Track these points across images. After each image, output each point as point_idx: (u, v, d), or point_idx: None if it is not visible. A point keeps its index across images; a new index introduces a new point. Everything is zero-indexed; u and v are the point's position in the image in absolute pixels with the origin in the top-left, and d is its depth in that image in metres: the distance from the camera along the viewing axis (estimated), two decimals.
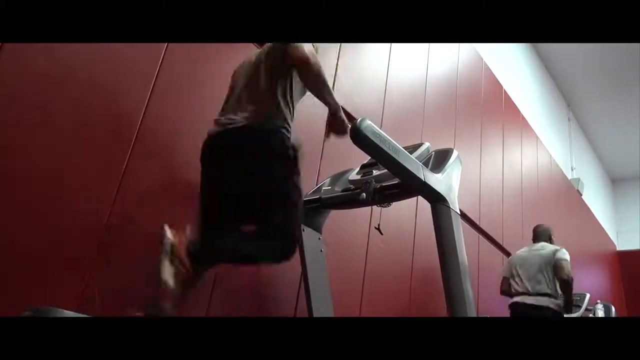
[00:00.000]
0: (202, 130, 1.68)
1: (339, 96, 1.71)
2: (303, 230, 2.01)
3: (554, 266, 3.23)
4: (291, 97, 1.65)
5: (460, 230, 1.70)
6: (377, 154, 1.55)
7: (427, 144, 1.92)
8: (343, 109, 1.65)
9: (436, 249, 1.68)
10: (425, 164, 1.76)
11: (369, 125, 1.49)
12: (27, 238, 1.43)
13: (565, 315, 3.23)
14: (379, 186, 1.77)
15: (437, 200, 1.70)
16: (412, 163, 1.61)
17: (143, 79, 1.80)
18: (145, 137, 1.76)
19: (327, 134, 1.68)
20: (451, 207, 1.70)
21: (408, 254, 3.01)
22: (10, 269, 1.38)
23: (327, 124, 1.66)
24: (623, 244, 8.56)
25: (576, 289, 3.32)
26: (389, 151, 1.53)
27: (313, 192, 2.09)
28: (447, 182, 1.73)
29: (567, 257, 3.26)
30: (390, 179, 1.77)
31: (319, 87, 1.58)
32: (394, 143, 1.55)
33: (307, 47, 1.55)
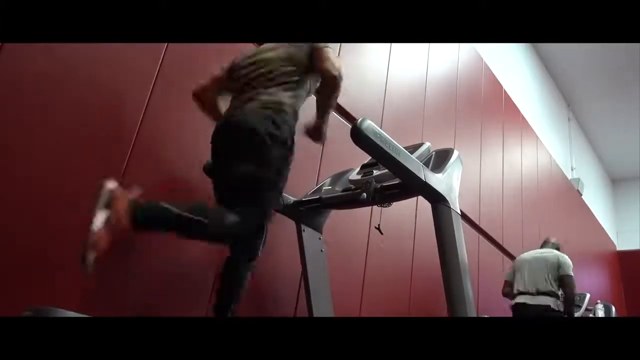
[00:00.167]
0: (201, 130, 1.68)
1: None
2: (303, 230, 2.01)
3: (560, 279, 3.26)
4: (307, 95, 1.77)
5: (460, 230, 1.70)
6: (378, 153, 1.55)
7: (427, 144, 1.92)
8: (343, 108, 1.66)
9: (436, 249, 1.68)
10: (426, 164, 1.76)
11: (370, 125, 1.49)
12: (27, 238, 1.43)
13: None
14: (379, 186, 1.77)
15: (437, 200, 1.70)
16: (413, 163, 1.61)
17: (143, 79, 1.80)
18: (145, 137, 1.76)
19: (305, 133, 1.80)
20: (452, 207, 1.70)
21: (408, 254, 3.01)
22: (10, 269, 1.38)
23: (307, 129, 1.78)
24: (623, 244, 8.57)
25: (576, 289, 3.34)
26: (389, 151, 1.53)
27: (313, 192, 2.09)
28: (447, 182, 1.73)
29: (572, 273, 3.30)
30: (391, 179, 1.77)
31: (329, 102, 1.70)
32: (395, 143, 1.55)
33: (339, 63, 1.65)
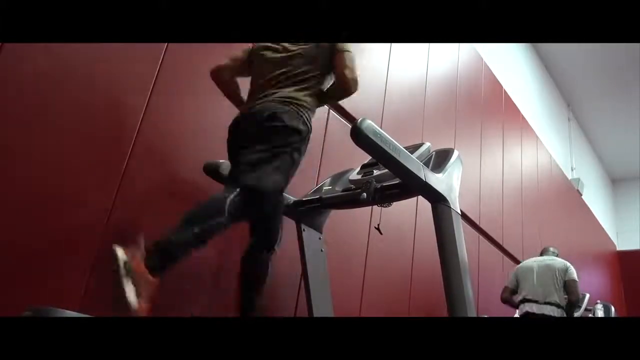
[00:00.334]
0: (201, 130, 1.68)
1: None
2: (303, 230, 2.01)
3: (565, 284, 3.27)
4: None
5: (460, 230, 1.70)
6: (378, 153, 1.55)
7: (427, 144, 1.92)
8: (343, 108, 1.67)
9: (436, 248, 1.68)
10: (426, 164, 1.76)
11: (370, 125, 1.49)
12: (27, 238, 1.43)
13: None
14: (379, 186, 1.77)
15: (437, 200, 1.70)
16: (413, 163, 1.61)
17: (143, 79, 1.80)
18: (145, 137, 1.76)
19: None
20: (452, 207, 1.70)
21: (408, 253, 3.01)
22: (10, 269, 1.38)
23: None
24: (623, 244, 8.57)
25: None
26: (389, 151, 1.53)
27: (313, 192, 2.09)
28: (447, 182, 1.73)
29: (577, 277, 3.32)
30: (391, 178, 1.77)
31: (333, 102, 1.79)
32: (395, 143, 1.55)
33: (357, 73, 1.69)
